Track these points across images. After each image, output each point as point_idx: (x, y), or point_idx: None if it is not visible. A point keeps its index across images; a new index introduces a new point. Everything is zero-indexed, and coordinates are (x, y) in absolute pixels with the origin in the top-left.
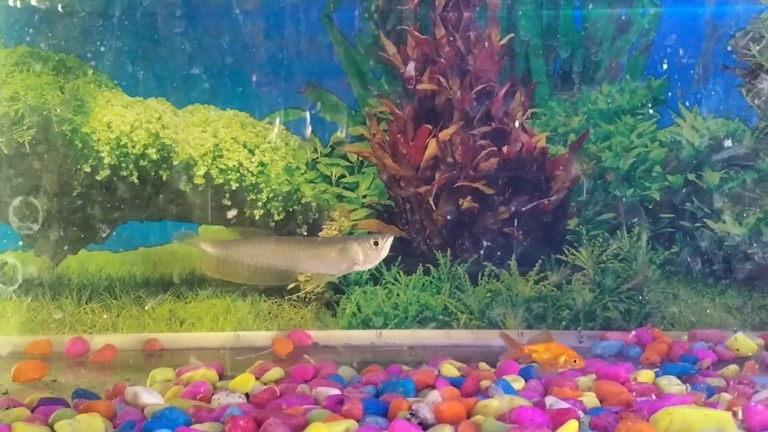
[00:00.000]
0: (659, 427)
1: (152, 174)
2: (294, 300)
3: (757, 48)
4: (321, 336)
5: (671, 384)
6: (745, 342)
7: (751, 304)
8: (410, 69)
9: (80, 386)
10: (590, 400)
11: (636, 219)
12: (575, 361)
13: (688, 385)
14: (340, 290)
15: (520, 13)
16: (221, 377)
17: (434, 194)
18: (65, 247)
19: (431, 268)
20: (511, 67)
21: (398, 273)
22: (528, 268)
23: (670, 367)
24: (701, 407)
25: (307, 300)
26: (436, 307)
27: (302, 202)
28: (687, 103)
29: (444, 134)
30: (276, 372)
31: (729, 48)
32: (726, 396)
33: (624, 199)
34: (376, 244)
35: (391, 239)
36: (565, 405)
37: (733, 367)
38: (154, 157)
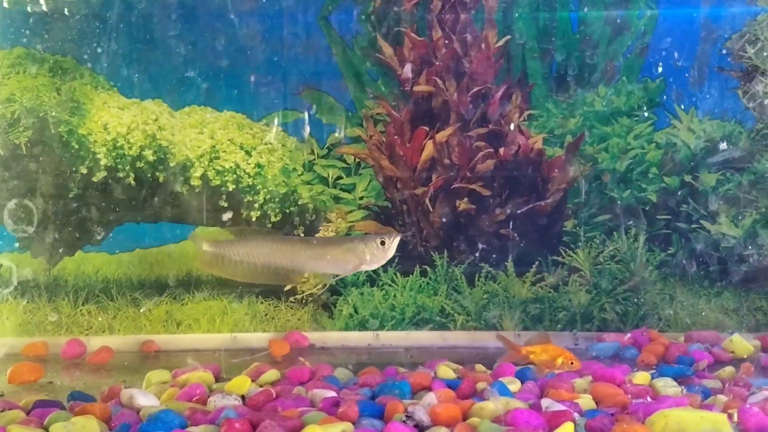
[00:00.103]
0: (655, 429)
1: (149, 175)
2: (291, 302)
3: (753, 50)
4: (318, 337)
5: (667, 386)
6: (741, 344)
7: (747, 306)
8: (407, 71)
9: (76, 388)
10: (586, 402)
11: (633, 220)
12: (572, 362)
13: (683, 387)
14: (337, 292)
15: (516, 15)
16: (217, 379)
17: (431, 196)
18: (61, 249)
19: (428, 269)
20: (508, 69)
21: (395, 274)
22: (525, 270)
23: (666, 368)
24: (697, 409)
25: (304, 302)
26: (433, 308)
27: (299, 203)
28: (682, 106)
29: (441, 136)
30: (272, 374)
31: (725, 50)
32: (722, 398)
33: (620, 202)
34: (382, 243)
35: (397, 239)
36: (560, 407)
37: (729, 369)
38: (151, 158)
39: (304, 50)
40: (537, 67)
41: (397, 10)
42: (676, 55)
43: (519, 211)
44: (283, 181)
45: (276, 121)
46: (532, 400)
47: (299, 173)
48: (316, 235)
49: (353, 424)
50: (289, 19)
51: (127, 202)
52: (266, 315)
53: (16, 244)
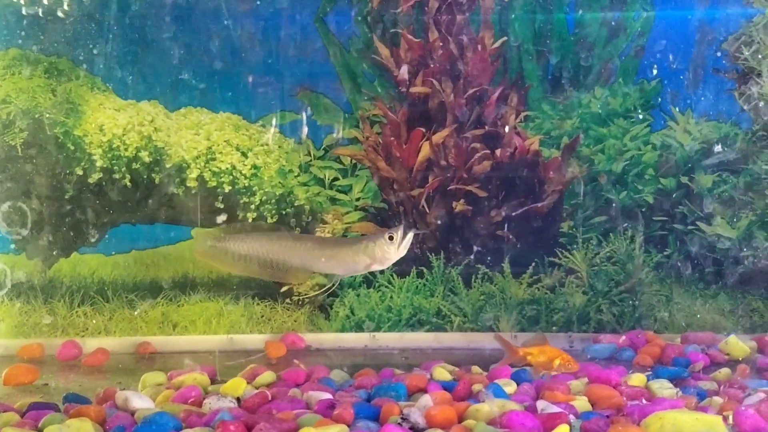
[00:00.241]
0: (650, 431)
1: (145, 177)
2: (287, 303)
3: (749, 52)
4: (314, 339)
5: (663, 387)
6: (737, 345)
7: (743, 307)
8: (403, 72)
9: (71, 390)
10: (582, 403)
11: (629, 222)
12: (569, 364)
13: (679, 389)
14: (333, 293)
15: (513, 16)
16: (213, 381)
17: (427, 197)
18: (57, 251)
19: (425, 270)
20: (504, 71)
21: (391, 276)
22: (521, 271)
23: (662, 370)
24: (692, 411)
25: (300, 303)
26: (429, 310)
27: (295, 204)
28: (677, 108)
29: (437, 137)
30: (268, 376)
31: (720, 52)
32: (717, 400)
33: (614, 204)
34: (390, 238)
35: (409, 234)
36: (556, 409)
37: (725, 371)
38: (147, 160)
39: (301, 51)
40: (533, 68)
41: (393, 12)
42: (672, 56)
43: (515, 213)
44: (280, 182)
45: (274, 122)
46: (527, 402)
47: (296, 174)
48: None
49: (348, 426)
50: (285, 20)
51: (122, 203)
52: (262, 316)
53: (12, 246)
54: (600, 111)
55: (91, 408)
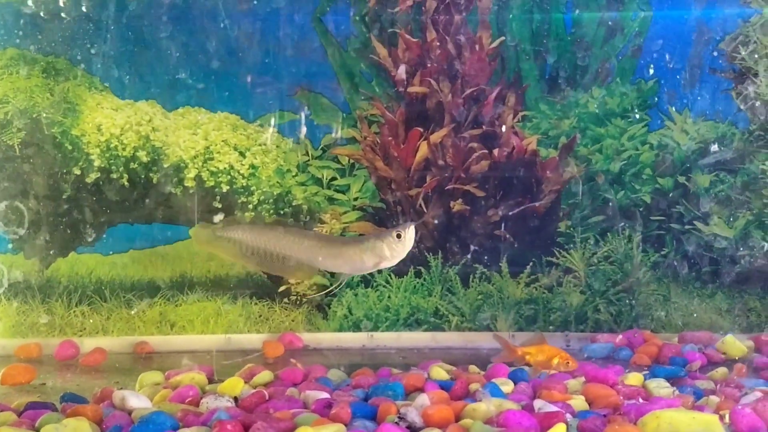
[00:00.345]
0: (647, 430)
1: (142, 177)
2: (285, 303)
3: (746, 52)
4: (312, 339)
5: (660, 387)
6: (734, 344)
7: (740, 307)
8: (401, 72)
9: (69, 390)
10: (579, 403)
11: (626, 221)
12: (568, 363)
13: (675, 388)
14: (330, 293)
15: (510, 16)
16: (211, 381)
17: (425, 197)
18: (55, 250)
19: (422, 270)
20: (502, 70)
21: (389, 275)
22: (519, 271)
23: (659, 369)
24: (689, 410)
25: (298, 303)
26: (427, 309)
27: (293, 204)
28: (675, 107)
29: (435, 137)
30: (265, 375)
31: (717, 52)
32: (714, 399)
33: (611, 204)
34: (399, 236)
35: (413, 228)
36: (553, 408)
37: (722, 370)
38: (145, 159)
39: (298, 51)
40: (531, 68)
41: (391, 12)
42: (669, 56)
43: (513, 212)
44: (278, 182)
45: (274, 121)
46: (524, 401)
47: (293, 174)
48: None
49: (345, 425)
50: (283, 19)
51: (120, 203)
52: (260, 316)
53: (9, 246)
54: (597, 111)
55: (88, 407)
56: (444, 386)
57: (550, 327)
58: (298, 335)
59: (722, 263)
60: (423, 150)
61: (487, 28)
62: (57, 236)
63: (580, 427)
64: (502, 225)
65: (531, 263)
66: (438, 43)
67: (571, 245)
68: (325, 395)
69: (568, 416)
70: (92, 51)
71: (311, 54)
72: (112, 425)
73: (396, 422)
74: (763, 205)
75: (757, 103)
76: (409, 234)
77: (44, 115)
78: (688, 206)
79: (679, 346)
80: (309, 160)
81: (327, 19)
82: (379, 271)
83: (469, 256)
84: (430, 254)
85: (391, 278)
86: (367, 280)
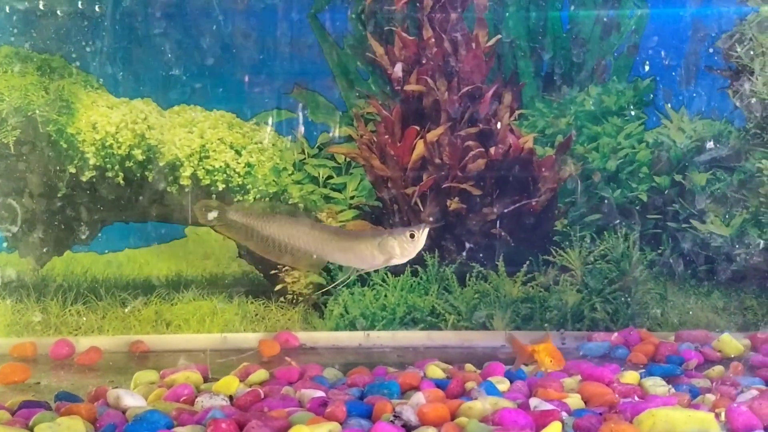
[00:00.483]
0: (643, 428)
1: (138, 175)
2: (281, 301)
3: (742, 50)
4: (308, 337)
5: (656, 385)
6: (730, 343)
7: (737, 305)
8: (398, 70)
9: (64, 389)
10: (575, 401)
11: (623, 220)
12: (555, 362)
13: (671, 386)
14: (327, 291)
15: (506, 14)
16: (206, 379)
17: (421, 195)
18: (50, 249)
19: (419, 269)
20: (499, 68)
21: (386, 274)
22: (516, 269)
23: (655, 368)
24: (685, 408)
25: (294, 301)
26: (424, 308)
27: (289, 203)
28: (671, 105)
29: (431, 135)
30: (261, 374)
31: (714, 50)
32: (710, 397)
33: (607, 201)
34: (412, 236)
35: (426, 230)
36: (549, 406)
37: (718, 368)
38: (140, 158)
39: (294, 49)
40: (527, 66)
41: (387, 9)
42: (665, 54)
43: (509, 211)
44: (274, 180)
45: (270, 120)
46: (520, 400)
47: (290, 173)
48: None
49: (341, 424)
50: (279, 17)
51: (115, 201)
52: (256, 315)
53: (4, 244)
54: (594, 109)
55: (82, 406)
56: (440, 385)
57: (546, 325)
58: (294, 334)
59: (719, 261)
60: (419, 148)
61: (483, 25)
62: (52, 234)
63: (576, 425)
64: (499, 223)
65: (527, 262)
66: (434, 41)
67: (568, 244)
68: (320, 394)
69: (564, 414)
70: (87, 49)
71: (307, 52)
72: (105, 424)
73: (391, 421)
74: (759, 203)
75: (753, 101)
76: (423, 235)
77: (39, 113)
78: (685, 204)
79: (676, 344)
80: (305, 159)
81: (323, 17)
82: (376, 270)
83: (465, 254)
84: (427, 253)
85: (387, 277)
86: (363, 279)
